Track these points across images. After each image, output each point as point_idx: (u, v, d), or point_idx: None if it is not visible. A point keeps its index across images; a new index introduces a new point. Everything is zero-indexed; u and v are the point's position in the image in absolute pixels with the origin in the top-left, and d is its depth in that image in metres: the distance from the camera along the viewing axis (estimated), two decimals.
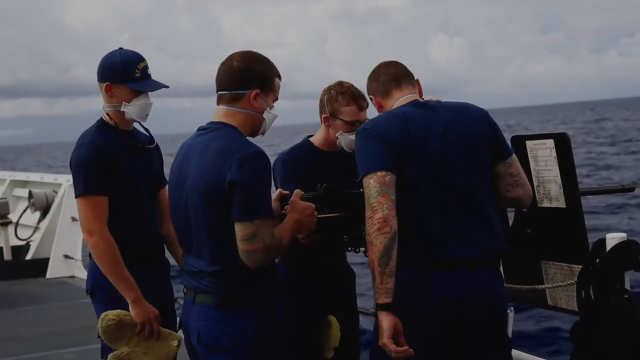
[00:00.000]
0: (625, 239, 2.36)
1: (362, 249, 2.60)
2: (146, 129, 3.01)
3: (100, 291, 2.84)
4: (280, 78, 2.54)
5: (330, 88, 3.01)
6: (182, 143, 2.66)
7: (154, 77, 2.91)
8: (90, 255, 2.90)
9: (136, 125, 3.00)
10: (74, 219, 7.72)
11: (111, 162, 2.77)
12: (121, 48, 2.91)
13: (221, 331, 2.33)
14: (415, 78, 2.66)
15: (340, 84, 3.01)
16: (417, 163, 2.37)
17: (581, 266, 2.63)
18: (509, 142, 2.60)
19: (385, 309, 2.28)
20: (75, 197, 2.79)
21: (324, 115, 3.00)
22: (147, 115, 2.91)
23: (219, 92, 2.47)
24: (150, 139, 2.99)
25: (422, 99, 2.60)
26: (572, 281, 2.64)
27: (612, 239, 2.36)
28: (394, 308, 2.30)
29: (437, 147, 2.39)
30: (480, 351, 2.41)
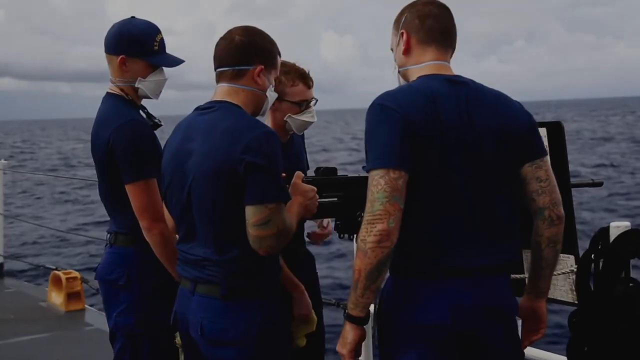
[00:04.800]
0: (630, 227, 2.39)
1: (355, 235, 2.51)
2: (143, 107, 2.77)
3: (138, 282, 2.64)
4: (280, 55, 2.40)
5: None
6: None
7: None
8: (112, 242, 2.69)
9: None
10: None
11: (156, 141, 2.57)
12: (133, 17, 2.67)
13: (227, 324, 2.18)
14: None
15: (283, 64, 2.85)
16: (441, 157, 2.04)
17: (567, 255, 2.67)
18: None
19: (357, 322, 2.07)
20: (133, 182, 2.53)
21: None
22: (160, 92, 2.69)
23: (220, 69, 2.30)
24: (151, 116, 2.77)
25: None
26: (559, 272, 2.67)
27: (617, 227, 2.38)
28: (386, 321, 2.15)
29: (467, 139, 2.06)
30: None
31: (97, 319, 5.73)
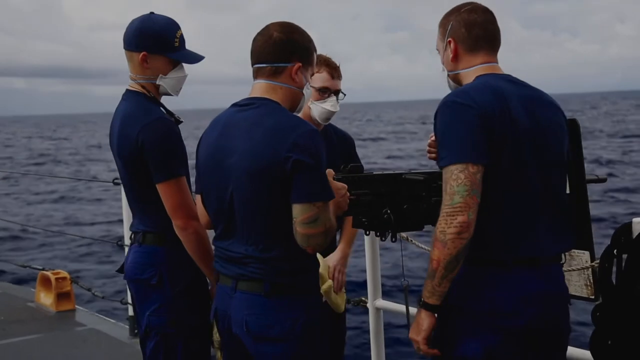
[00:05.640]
0: None
1: (388, 233, 2.52)
2: (162, 104, 2.74)
3: (170, 281, 2.60)
4: (316, 52, 2.40)
5: None
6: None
7: None
8: (140, 242, 2.65)
9: None
10: None
11: (182, 139, 2.56)
12: (152, 13, 2.64)
13: (272, 320, 2.19)
14: None
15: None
16: (513, 151, 2.11)
17: (582, 251, 2.71)
18: None
19: (432, 310, 2.15)
20: (165, 181, 2.50)
21: None
22: (180, 88, 2.66)
23: (257, 65, 2.29)
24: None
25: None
26: (575, 267, 2.71)
27: (639, 223, 2.42)
28: (462, 309, 2.17)
29: (535, 134, 2.16)
30: (555, 351, 2.28)
31: (89, 319, 5.67)
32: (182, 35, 2.66)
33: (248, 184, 2.18)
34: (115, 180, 5.12)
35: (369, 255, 3.42)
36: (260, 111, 2.23)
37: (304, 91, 2.35)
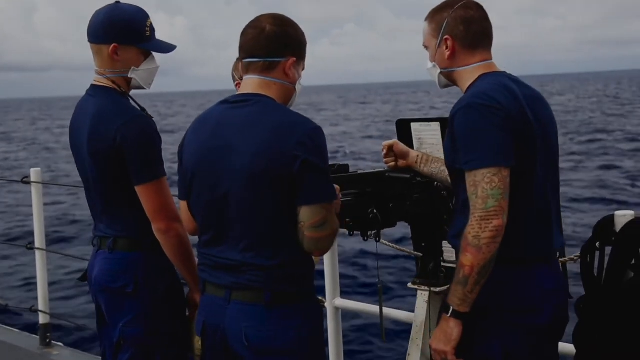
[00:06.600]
0: (634, 216, 2.47)
1: (371, 233, 2.46)
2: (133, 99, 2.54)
3: (147, 288, 2.42)
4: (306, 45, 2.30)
5: None
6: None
7: None
8: (111, 248, 2.43)
9: None
10: None
11: (160, 137, 2.42)
12: (118, 2, 2.44)
13: (273, 331, 2.07)
14: None
15: None
16: (530, 151, 2.12)
17: None
18: None
19: (463, 318, 2.10)
20: (147, 182, 2.33)
21: None
22: (152, 81, 2.49)
23: (248, 60, 2.15)
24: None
25: None
26: None
27: (623, 216, 2.45)
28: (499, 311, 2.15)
29: (543, 133, 2.18)
30: (558, 342, 2.33)
31: None
32: (152, 24, 2.49)
33: (249, 185, 2.05)
34: (25, 179, 4.71)
35: (328, 252, 3.30)
36: (258, 108, 2.11)
37: (296, 87, 2.24)
